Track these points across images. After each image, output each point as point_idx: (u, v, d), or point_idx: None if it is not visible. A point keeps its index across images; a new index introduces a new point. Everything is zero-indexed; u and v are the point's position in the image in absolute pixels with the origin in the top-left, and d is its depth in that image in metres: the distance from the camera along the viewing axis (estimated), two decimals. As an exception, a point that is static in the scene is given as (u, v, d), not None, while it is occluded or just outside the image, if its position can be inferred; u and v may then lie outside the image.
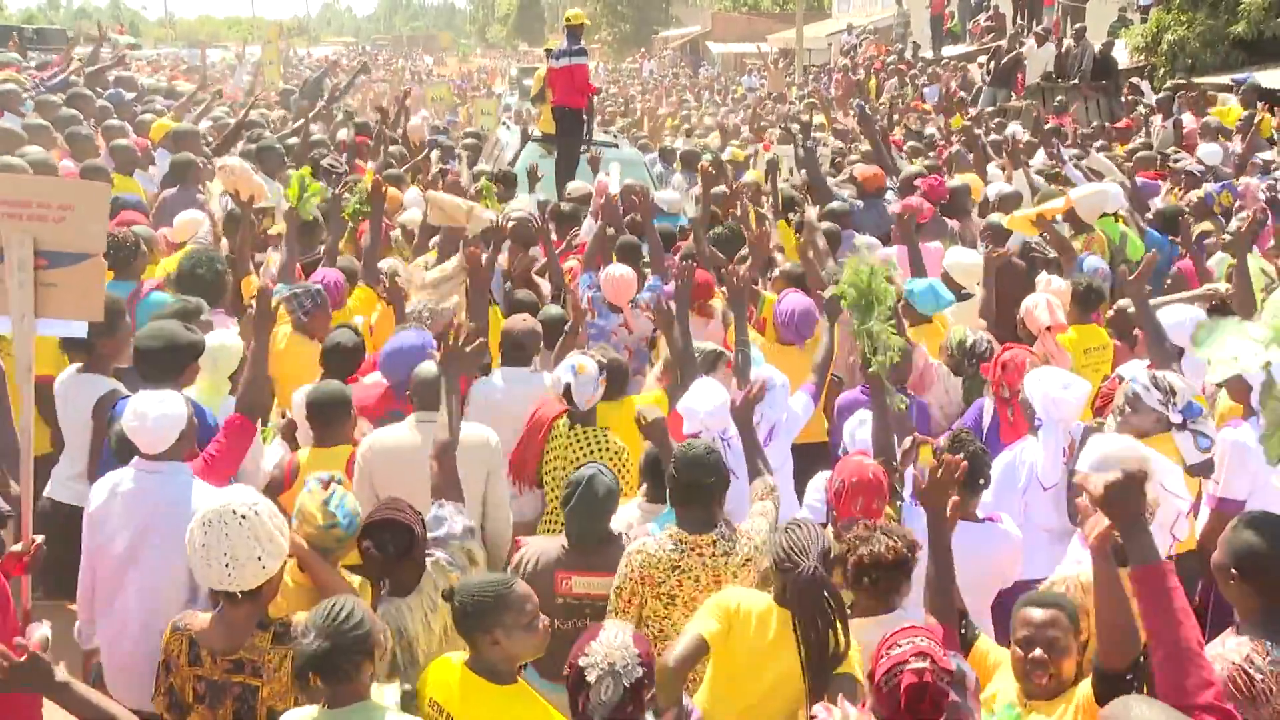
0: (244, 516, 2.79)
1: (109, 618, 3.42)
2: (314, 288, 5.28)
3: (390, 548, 3.11)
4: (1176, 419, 4.25)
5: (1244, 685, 2.57)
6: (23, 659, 2.37)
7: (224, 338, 4.43)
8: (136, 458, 3.51)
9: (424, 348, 4.52)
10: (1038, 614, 2.75)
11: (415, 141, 11.26)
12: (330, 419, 4.17)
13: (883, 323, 4.11)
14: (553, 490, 4.42)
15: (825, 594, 2.88)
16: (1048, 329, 5.25)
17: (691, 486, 3.42)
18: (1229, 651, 2.64)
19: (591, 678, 2.45)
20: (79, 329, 3.70)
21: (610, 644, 2.49)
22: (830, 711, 2.49)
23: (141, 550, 3.35)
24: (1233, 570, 2.72)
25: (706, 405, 4.15)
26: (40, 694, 2.56)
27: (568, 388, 4.40)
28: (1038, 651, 2.70)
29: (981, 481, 3.82)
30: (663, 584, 3.34)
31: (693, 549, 3.36)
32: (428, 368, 4.19)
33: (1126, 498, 2.42)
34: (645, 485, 4.00)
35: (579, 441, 4.44)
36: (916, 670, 2.45)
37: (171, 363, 4.06)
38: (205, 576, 2.83)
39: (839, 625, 2.88)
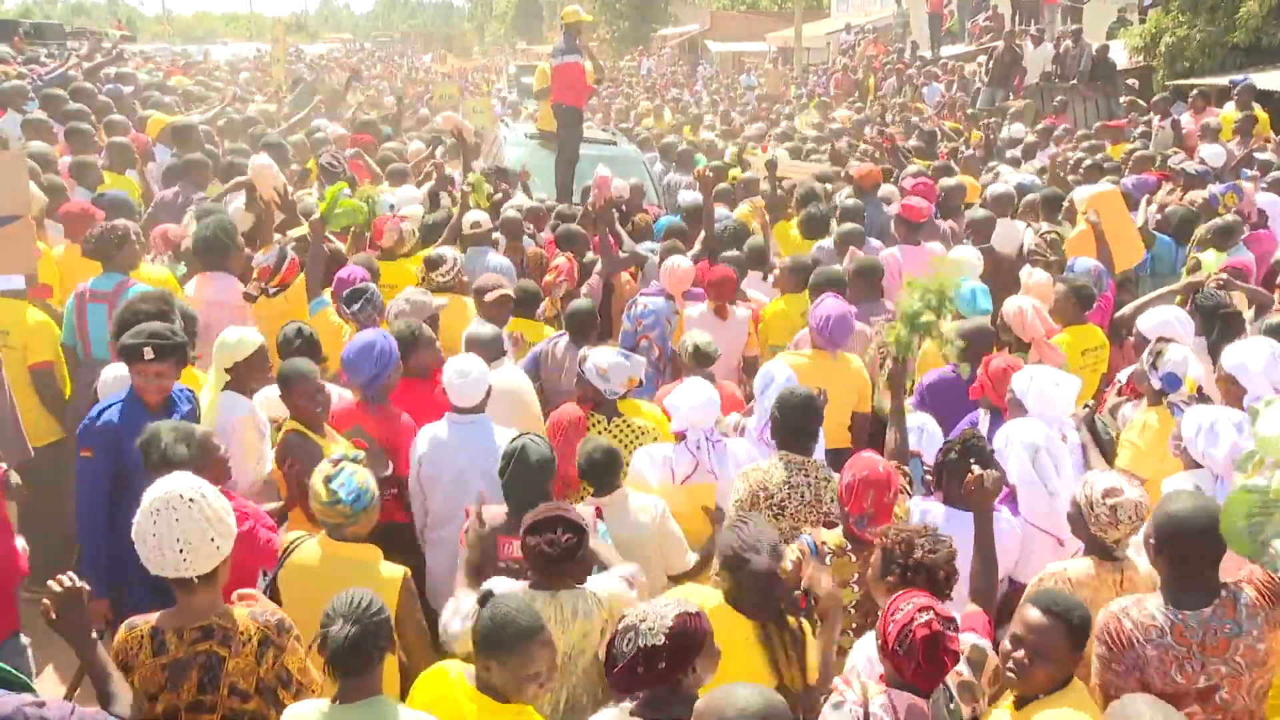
0: (191, 500, 2.77)
1: (447, 529, 4.21)
2: (369, 289, 5.38)
3: (561, 544, 3.12)
4: (1156, 384, 4.40)
5: (1114, 632, 2.92)
6: (74, 593, 2.65)
7: (232, 334, 4.43)
8: (449, 412, 4.32)
9: (386, 347, 4.55)
10: (1036, 616, 2.75)
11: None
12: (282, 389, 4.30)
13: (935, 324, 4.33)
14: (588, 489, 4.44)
15: (777, 590, 3.05)
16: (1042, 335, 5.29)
17: (794, 429, 4.06)
18: (1115, 603, 3.00)
19: (620, 626, 2.57)
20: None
21: (653, 608, 2.60)
22: (850, 685, 2.62)
23: (468, 481, 4.12)
24: (1151, 540, 3.01)
25: (691, 403, 4.33)
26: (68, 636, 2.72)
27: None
28: (1020, 653, 2.74)
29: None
30: (774, 495, 3.94)
31: (800, 469, 4.01)
32: (480, 327, 5.04)
33: None
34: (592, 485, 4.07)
35: (616, 434, 4.55)
36: (925, 623, 2.60)
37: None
38: (160, 565, 2.79)
39: (797, 627, 3.10)
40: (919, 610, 2.64)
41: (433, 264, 5.89)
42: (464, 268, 6.20)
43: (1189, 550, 2.94)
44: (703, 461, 4.34)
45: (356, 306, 5.25)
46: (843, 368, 5.19)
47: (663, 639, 2.52)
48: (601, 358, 4.61)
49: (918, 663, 2.60)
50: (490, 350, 4.88)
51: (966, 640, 2.90)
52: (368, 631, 2.58)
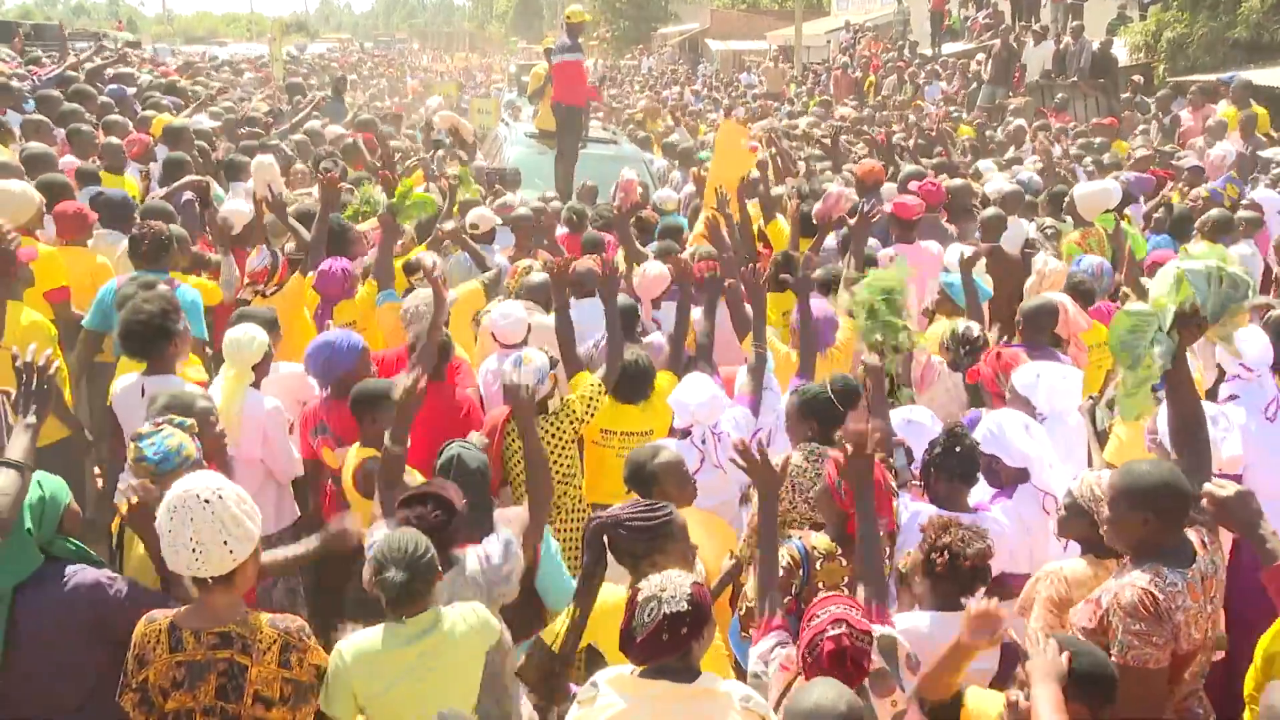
0: (207, 501, 2.73)
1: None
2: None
3: (430, 520, 3.17)
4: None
5: (1150, 606, 2.88)
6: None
7: (246, 331, 4.40)
8: (498, 349, 5.12)
9: (344, 344, 4.54)
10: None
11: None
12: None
13: (897, 315, 4.26)
14: (518, 487, 4.43)
15: (599, 553, 3.12)
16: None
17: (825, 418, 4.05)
18: (1136, 579, 2.95)
19: (640, 598, 2.63)
20: None
21: (670, 578, 2.66)
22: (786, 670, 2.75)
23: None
24: (1139, 509, 2.98)
25: (696, 399, 4.30)
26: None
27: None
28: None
29: (980, 476, 3.91)
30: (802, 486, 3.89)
31: (817, 458, 3.92)
32: (537, 274, 5.74)
33: (1243, 509, 2.71)
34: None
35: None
36: (834, 637, 2.63)
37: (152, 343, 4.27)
38: (174, 562, 2.77)
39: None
40: (832, 622, 2.66)
41: (411, 269, 5.88)
42: (446, 272, 6.16)
43: (1171, 507, 3.00)
44: (708, 455, 4.34)
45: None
46: (824, 369, 5.11)
47: (685, 605, 2.57)
48: (507, 360, 4.51)
49: (823, 673, 2.61)
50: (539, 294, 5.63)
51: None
52: (417, 574, 2.88)
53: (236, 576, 2.83)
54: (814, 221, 6.74)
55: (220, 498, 2.76)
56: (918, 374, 5.03)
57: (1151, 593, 2.90)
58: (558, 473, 4.42)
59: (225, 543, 2.74)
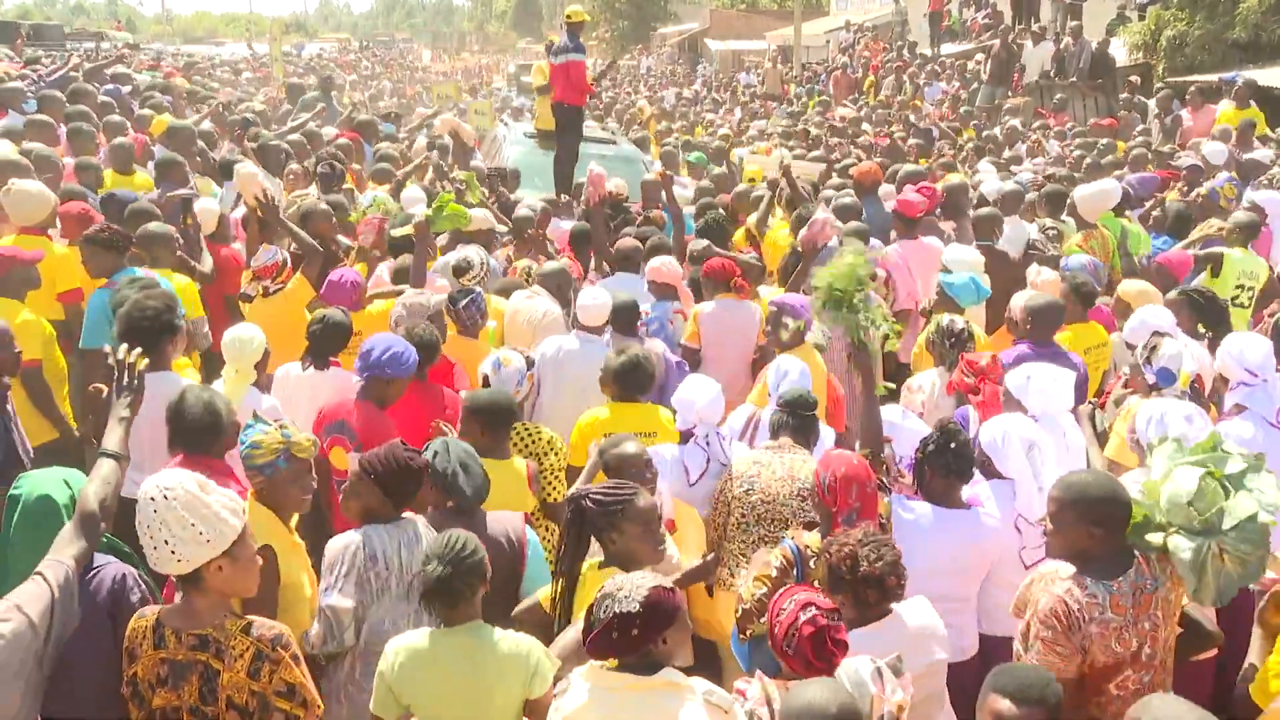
0: (152, 499, 2.68)
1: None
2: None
3: (418, 455, 3.38)
4: (1150, 378, 4.38)
5: (1062, 615, 2.94)
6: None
7: (247, 330, 4.39)
8: (576, 330, 5.34)
9: (410, 358, 4.48)
10: (1011, 710, 2.48)
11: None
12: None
13: (863, 304, 4.18)
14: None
15: (578, 525, 3.26)
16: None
17: (789, 419, 4.21)
18: (1056, 588, 3.01)
19: (600, 594, 2.69)
20: None
21: (632, 578, 2.70)
22: (750, 684, 2.74)
23: (585, 385, 4.93)
24: (1087, 518, 3.01)
25: (705, 397, 4.33)
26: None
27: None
28: None
29: (975, 471, 3.90)
30: (743, 474, 4.11)
31: (774, 449, 4.17)
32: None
33: None
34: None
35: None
36: (810, 620, 2.71)
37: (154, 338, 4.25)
38: (146, 553, 2.80)
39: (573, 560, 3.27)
40: (801, 608, 2.74)
41: (460, 270, 5.86)
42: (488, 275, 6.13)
43: (1115, 519, 3.03)
44: (714, 455, 4.34)
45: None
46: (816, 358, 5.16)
47: (637, 606, 2.60)
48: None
49: (807, 660, 2.68)
50: (559, 280, 5.93)
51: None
52: (458, 573, 2.92)
53: (205, 579, 2.75)
54: (798, 248, 6.76)
55: (166, 498, 2.68)
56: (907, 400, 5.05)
57: (1065, 602, 2.94)
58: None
59: (167, 542, 2.68)
